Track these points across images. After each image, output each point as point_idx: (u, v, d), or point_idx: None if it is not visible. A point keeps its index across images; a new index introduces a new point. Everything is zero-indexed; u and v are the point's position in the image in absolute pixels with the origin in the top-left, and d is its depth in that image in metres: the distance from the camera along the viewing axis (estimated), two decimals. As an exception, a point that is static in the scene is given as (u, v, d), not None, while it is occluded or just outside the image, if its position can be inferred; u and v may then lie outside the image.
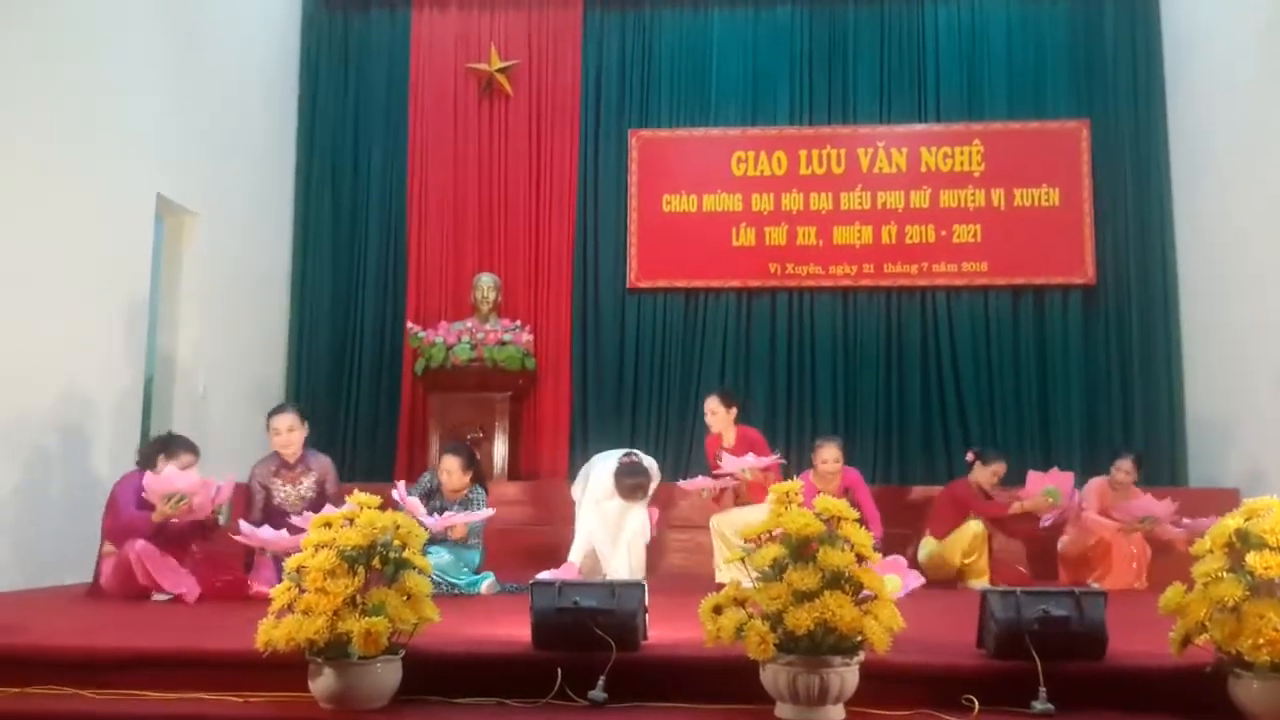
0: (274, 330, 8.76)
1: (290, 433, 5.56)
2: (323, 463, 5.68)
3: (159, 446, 5.42)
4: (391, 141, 9.13)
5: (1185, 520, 6.03)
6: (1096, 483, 6.49)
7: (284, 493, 5.58)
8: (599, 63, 9.09)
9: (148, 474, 5.15)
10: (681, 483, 6.20)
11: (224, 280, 7.74)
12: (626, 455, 5.82)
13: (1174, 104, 8.45)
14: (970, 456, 6.58)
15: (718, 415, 6.27)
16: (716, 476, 5.96)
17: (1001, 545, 6.61)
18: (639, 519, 5.81)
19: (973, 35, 8.80)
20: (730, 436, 6.27)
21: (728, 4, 9.04)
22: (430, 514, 5.19)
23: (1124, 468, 6.41)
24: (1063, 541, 6.49)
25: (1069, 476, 6.49)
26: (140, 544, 5.07)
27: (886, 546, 6.15)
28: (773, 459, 5.84)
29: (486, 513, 5.52)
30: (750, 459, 5.83)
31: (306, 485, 5.60)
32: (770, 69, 8.94)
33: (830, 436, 6.50)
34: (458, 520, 5.33)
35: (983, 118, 8.71)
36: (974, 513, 6.23)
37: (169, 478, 5.06)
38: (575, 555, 5.73)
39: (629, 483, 5.67)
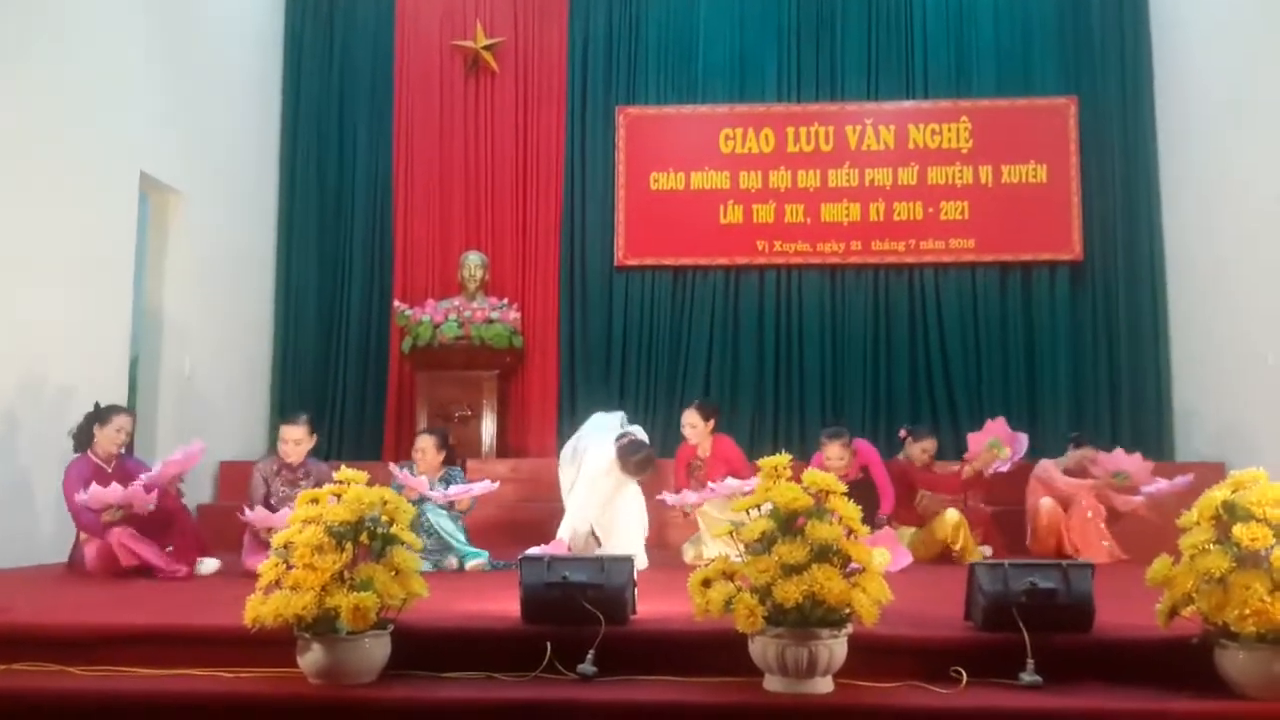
0: (260, 308, 8.70)
1: (297, 445, 5.69)
2: (322, 471, 5.73)
3: (90, 421, 5.44)
4: (377, 119, 9.07)
5: (1145, 488, 6.09)
6: (1049, 461, 6.51)
7: (282, 492, 5.68)
8: (585, 39, 9.02)
9: (92, 490, 5.09)
10: (666, 497, 5.88)
11: (209, 258, 7.68)
12: (622, 437, 5.77)
13: (1161, 80, 8.45)
14: (903, 434, 6.60)
15: (696, 428, 6.25)
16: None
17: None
18: (636, 494, 5.79)
19: (960, 11, 8.76)
20: (706, 447, 6.26)
21: (715, -21, 8.99)
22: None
23: (1089, 457, 6.43)
24: (1028, 536, 6.42)
25: (1001, 421, 6.52)
26: (117, 530, 5.14)
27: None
28: None
29: (490, 485, 5.59)
30: (754, 484, 5.72)
31: (303, 488, 5.61)
32: (758, 45, 8.89)
33: (834, 434, 6.15)
34: (472, 491, 5.48)
35: (971, 94, 8.67)
36: (924, 488, 6.26)
37: (101, 495, 5.07)
38: (564, 532, 5.71)
39: (636, 459, 5.62)
